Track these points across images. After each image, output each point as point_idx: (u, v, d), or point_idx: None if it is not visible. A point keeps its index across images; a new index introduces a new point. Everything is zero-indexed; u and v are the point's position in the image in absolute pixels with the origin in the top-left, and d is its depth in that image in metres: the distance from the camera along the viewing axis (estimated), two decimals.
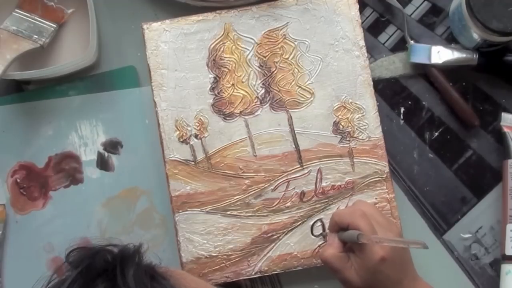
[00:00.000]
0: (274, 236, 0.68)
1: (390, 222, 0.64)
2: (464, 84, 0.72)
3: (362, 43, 0.70)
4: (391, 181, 0.69)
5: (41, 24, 0.71)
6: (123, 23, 0.74)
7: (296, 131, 0.69)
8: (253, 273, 0.68)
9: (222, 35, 0.70)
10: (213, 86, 0.70)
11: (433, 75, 0.72)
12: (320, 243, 0.68)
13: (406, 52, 0.73)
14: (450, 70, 0.72)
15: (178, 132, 0.69)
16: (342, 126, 0.69)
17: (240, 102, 0.69)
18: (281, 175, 0.69)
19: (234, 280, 0.68)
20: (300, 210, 0.68)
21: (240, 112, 0.69)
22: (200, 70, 0.70)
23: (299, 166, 0.69)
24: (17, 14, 0.71)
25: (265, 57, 0.70)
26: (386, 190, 0.68)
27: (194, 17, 0.70)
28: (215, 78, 0.70)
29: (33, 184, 0.72)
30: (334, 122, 0.69)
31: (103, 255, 0.46)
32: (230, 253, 0.68)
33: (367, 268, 0.58)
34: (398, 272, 0.59)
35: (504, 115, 0.71)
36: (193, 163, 0.69)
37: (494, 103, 0.72)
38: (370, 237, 0.57)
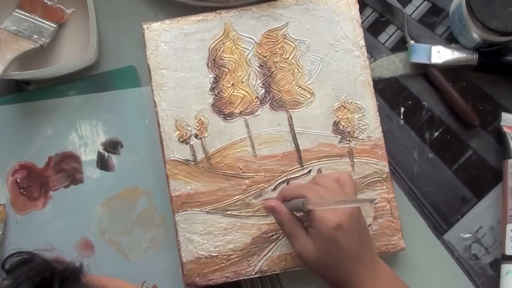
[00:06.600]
0: (274, 236, 0.68)
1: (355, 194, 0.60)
2: (464, 84, 0.72)
3: (362, 43, 0.70)
4: (391, 181, 0.69)
5: (41, 24, 0.71)
6: (123, 23, 0.74)
7: (296, 131, 0.69)
8: (253, 273, 0.68)
9: (222, 35, 0.70)
10: (213, 86, 0.70)
11: (433, 75, 0.72)
12: None
13: (406, 52, 0.73)
14: (450, 70, 0.72)
15: (178, 132, 0.69)
16: (342, 126, 0.69)
17: (240, 102, 0.69)
18: (281, 175, 0.69)
19: (234, 280, 0.68)
20: None
21: (240, 112, 0.69)
22: (200, 70, 0.70)
23: (299, 166, 0.69)
24: (17, 14, 0.71)
25: (265, 57, 0.70)
26: (386, 190, 0.68)
27: (194, 17, 0.70)
28: (215, 78, 0.70)
29: (33, 184, 0.72)
30: (334, 122, 0.69)
31: (41, 272, 0.46)
32: (230, 253, 0.68)
33: (322, 237, 0.56)
34: (355, 244, 0.57)
35: (504, 115, 0.71)
36: (193, 163, 0.69)
37: (494, 103, 0.72)
38: (316, 201, 0.54)
